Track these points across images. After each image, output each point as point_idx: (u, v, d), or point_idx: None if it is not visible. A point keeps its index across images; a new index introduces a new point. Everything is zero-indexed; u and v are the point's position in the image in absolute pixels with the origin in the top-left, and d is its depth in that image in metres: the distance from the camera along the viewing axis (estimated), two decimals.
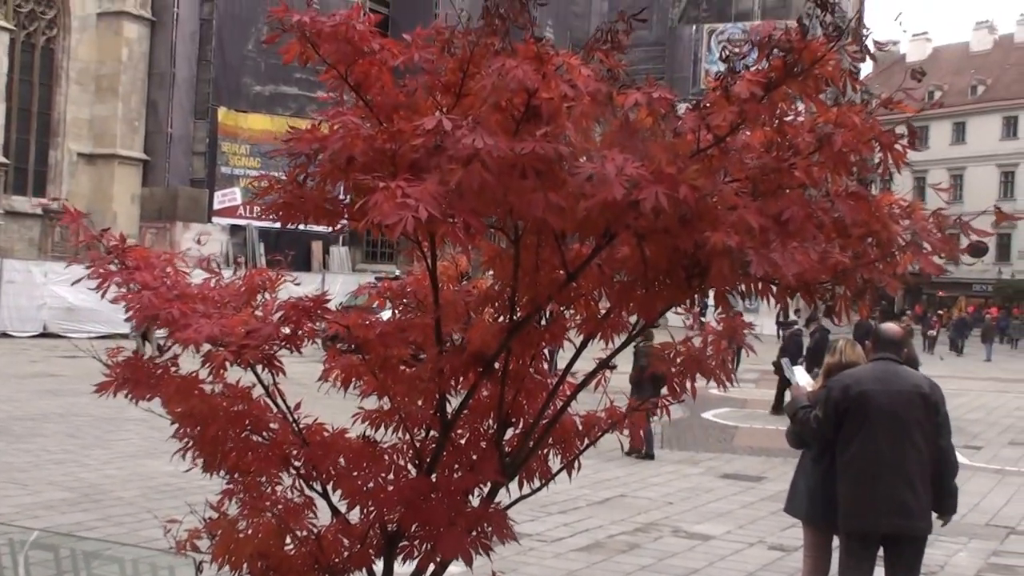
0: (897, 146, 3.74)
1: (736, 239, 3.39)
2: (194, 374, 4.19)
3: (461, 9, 3.80)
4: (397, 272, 34.58)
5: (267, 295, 4.64)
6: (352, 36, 3.80)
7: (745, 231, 3.45)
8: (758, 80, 3.48)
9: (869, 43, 3.57)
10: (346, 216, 4.06)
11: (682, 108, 3.72)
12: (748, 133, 3.76)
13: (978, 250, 67.87)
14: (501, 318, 4.40)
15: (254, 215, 38.42)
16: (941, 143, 75.68)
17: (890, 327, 6.39)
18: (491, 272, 4.47)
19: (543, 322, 4.43)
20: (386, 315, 4.86)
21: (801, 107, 3.87)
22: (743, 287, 3.77)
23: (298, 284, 5.16)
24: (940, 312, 59.46)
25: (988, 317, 51.77)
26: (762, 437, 16.80)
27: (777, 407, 19.46)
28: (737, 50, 3.62)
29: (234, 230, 43.88)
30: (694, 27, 55.88)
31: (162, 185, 43.36)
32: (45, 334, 30.15)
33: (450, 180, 3.26)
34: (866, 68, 72.77)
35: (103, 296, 4.08)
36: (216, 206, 44.33)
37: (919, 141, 3.77)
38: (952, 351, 47.70)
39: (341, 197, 4.09)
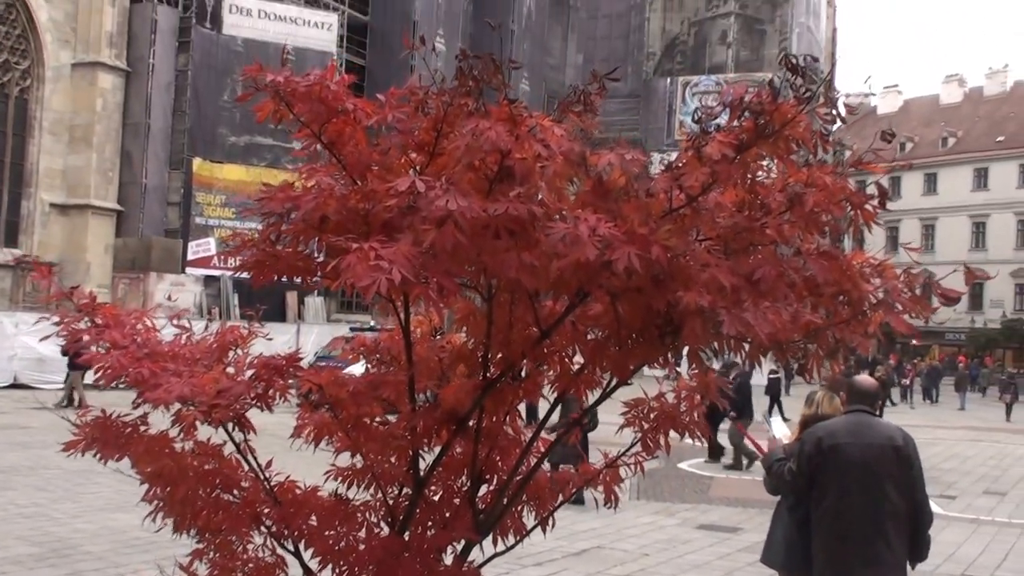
0: (867, 206, 3.78)
1: (708, 299, 3.41)
2: (164, 433, 4.16)
3: (435, 69, 3.82)
4: (372, 323, 34.49)
5: (239, 351, 4.62)
6: (326, 96, 3.81)
7: (717, 290, 3.47)
8: (729, 141, 3.52)
9: (839, 105, 3.60)
10: (320, 274, 4.05)
11: (657, 159, 3.74)
12: (720, 192, 3.79)
13: (950, 299, 68.33)
14: (475, 375, 4.39)
15: (228, 266, 38.38)
16: (913, 194, 76.51)
17: (864, 379, 6.40)
18: (465, 328, 4.47)
19: (517, 379, 4.42)
20: (358, 369, 4.84)
21: (773, 164, 3.91)
22: (716, 345, 3.78)
23: (270, 339, 5.13)
24: (915, 360, 59.74)
25: (961, 366, 52.08)
26: (738, 488, 16.77)
27: (712, 453, 19.51)
28: (709, 111, 3.66)
29: (208, 281, 43.70)
30: (669, 79, 56.45)
31: (136, 235, 43.19)
32: (16, 385, 29.82)
33: (423, 241, 3.27)
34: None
35: (73, 357, 4.04)
36: (190, 256, 44.17)
37: (890, 196, 3.81)
38: (926, 400, 47.91)
39: (315, 255, 4.09)
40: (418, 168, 3.81)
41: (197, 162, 44.46)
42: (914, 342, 69.98)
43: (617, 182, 3.71)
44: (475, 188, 3.53)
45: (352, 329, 32.79)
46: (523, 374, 4.39)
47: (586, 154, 3.64)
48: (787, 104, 3.54)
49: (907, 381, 48.40)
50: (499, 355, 4.25)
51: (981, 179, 75.38)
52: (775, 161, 3.70)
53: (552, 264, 3.43)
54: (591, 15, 60.38)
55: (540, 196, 3.52)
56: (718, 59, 56.07)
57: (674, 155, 3.85)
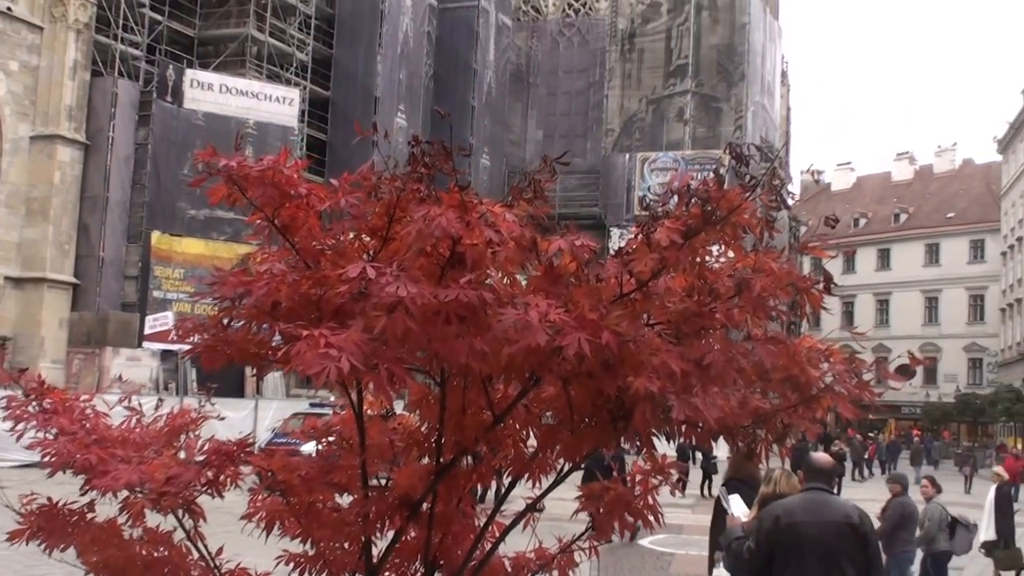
0: (814, 290, 3.83)
1: (658, 384, 3.43)
2: (112, 520, 4.09)
3: (390, 155, 3.86)
4: (332, 397, 34.21)
5: (191, 434, 4.58)
6: (279, 180, 3.83)
7: (667, 376, 3.49)
8: (678, 228, 3.57)
9: (783, 194, 3.67)
10: (272, 358, 4.03)
11: (616, 234, 3.78)
12: (671, 277, 3.83)
13: (905, 372, 69.10)
14: (428, 460, 4.37)
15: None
16: (867, 269, 77.53)
17: (820, 456, 6.44)
18: (418, 412, 4.45)
19: (470, 463, 4.40)
20: (310, 447, 4.80)
21: (722, 248, 3.96)
22: (667, 429, 3.80)
23: (222, 419, 5.08)
24: (871, 434, 60.05)
25: (916, 440, 52.42)
26: (699, 564, 16.64)
27: None
28: (658, 197, 3.71)
29: (165, 355, 43.25)
30: (627, 155, 57.10)
31: (92, 309, 42.75)
32: None
33: (374, 327, 3.28)
34: (794, 193, 74.60)
35: (18, 440, 3.99)
36: (147, 331, 43.74)
37: (834, 283, 3.86)
38: (884, 474, 48.11)
39: (267, 339, 4.07)
40: (371, 252, 3.82)
41: (156, 235, 44.24)
42: (870, 417, 70.44)
43: (568, 267, 3.75)
44: (427, 273, 3.55)
45: (311, 404, 32.48)
46: (477, 458, 4.37)
47: (537, 240, 3.68)
48: (733, 191, 3.60)
49: (866, 456, 48.58)
50: (452, 439, 4.23)
51: (933, 255, 76.55)
52: (723, 246, 3.76)
53: (503, 350, 3.44)
54: (551, 92, 61.18)
55: (491, 281, 3.55)
56: (675, 136, 56.86)
57: (633, 230, 3.89)
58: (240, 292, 3.69)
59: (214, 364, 3.92)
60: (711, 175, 3.64)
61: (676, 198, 3.72)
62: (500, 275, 3.69)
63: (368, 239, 3.92)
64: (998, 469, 19.07)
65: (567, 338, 3.36)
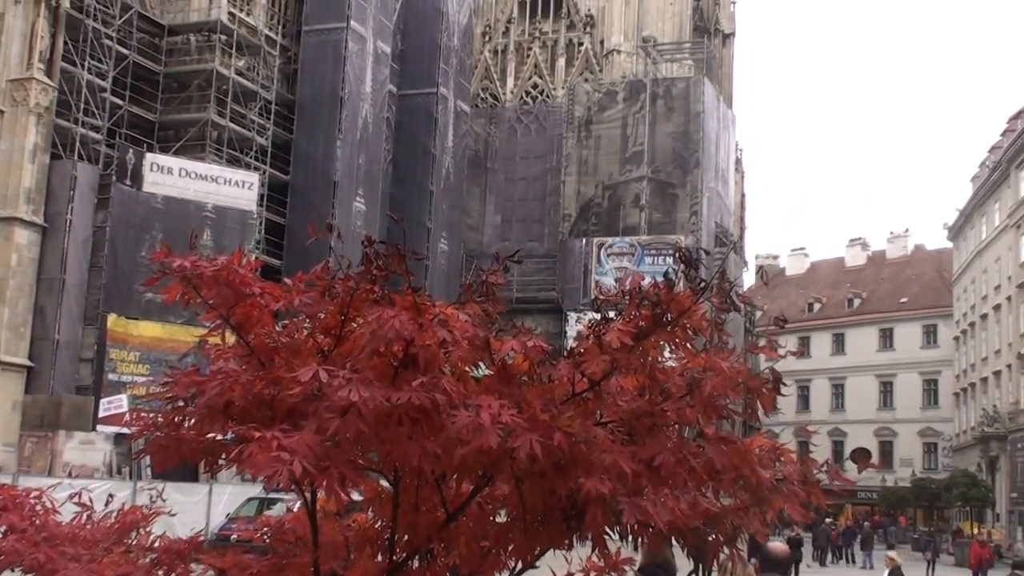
0: (764, 390, 3.89)
1: (609, 486, 3.46)
2: None
3: (341, 255, 3.91)
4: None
5: (143, 530, 4.54)
6: (233, 280, 3.86)
7: (618, 476, 3.52)
8: (628, 330, 3.62)
9: (733, 296, 3.74)
10: (225, 457, 4.02)
11: (573, 318, 3.83)
12: (623, 376, 3.88)
13: (866, 457, 69.31)
14: (381, 558, 4.34)
15: (141, 423, 37.50)
16: (822, 353, 78.17)
17: (776, 546, 6.45)
18: (371, 509, 4.44)
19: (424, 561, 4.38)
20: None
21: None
22: (619, 528, 3.81)
23: (174, 515, 5.03)
24: (828, 520, 60.02)
25: (867, 525, 52.54)
26: None
27: None
28: (610, 297, 3.78)
29: (119, 439, 42.58)
30: (584, 240, 57.56)
31: (46, 392, 42.11)
32: None
33: (327, 428, 3.29)
34: (749, 279, 75.30)
35: None
36: (102, 414, 43.09)
37: (783, 383, 3.93)
38: (841, 559, 48.07)
39: (220, 438, 4.06)
40: (325, 351, 3.85)
41: (112, 318, 43.82)
42: (827, 502, 70.42)
43: (520, 367, 3.79)
44: (380, 374, 3.57)
45: (265, 490, 32.04)
46: (430, 556, 4.35)
47: (490, 340, 3.72)
48: (684, 294, 3.67)
49: (832, 541, 48.58)
50: (406, 537, 4.22)
51: (887, 339, 77.35)
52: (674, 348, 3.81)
53: (456, 450, 3.46)
54: (508, 177, 61.74)
55: (444, 384, 3.57)
56: (631, 221, 57.43)
57: (590, 315, 3.95)
58: (193, 392, 3.69)
59: (167, 464, 3.90)
60: (662, 278, 3.71)
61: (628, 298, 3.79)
62: (453, 376, 3.72)
63: (322, 337, 3.95)
64: (891, 554, 19.30)
65: (519, 440, 3.39)
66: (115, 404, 43.48)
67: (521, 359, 3.74)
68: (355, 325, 3.75)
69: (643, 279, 3.77)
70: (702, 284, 3.64)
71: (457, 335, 3.58)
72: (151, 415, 4.15)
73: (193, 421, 3.90)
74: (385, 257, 3.68)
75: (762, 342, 4.06)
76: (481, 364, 3.78)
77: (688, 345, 3.84)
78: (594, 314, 3.91)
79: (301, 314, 3.86)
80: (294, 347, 3.90)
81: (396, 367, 3.61)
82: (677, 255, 3.68)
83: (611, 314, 3.80)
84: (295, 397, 3.46)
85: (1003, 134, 64.99)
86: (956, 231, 72.81)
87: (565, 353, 3.82)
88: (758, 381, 3.89)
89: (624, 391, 3.86)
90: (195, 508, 26.69)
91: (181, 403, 3.78)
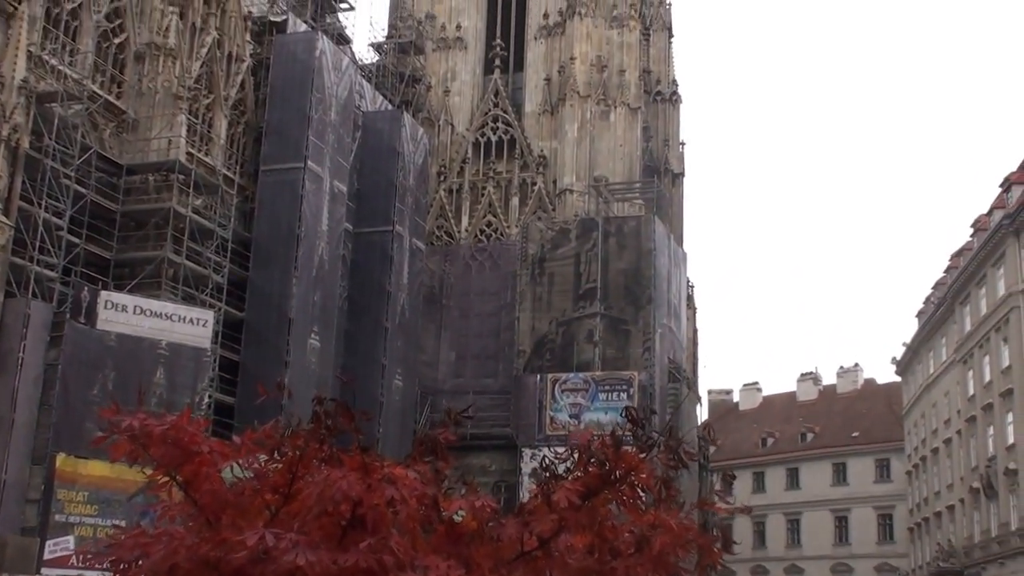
0: (714, 547, 3.91)
1: None
2: None
3: (291, 412, 3.92)
4: None
5: None
6: (182, 438, 3.86)
7: None
8: (576, 489, 3.65)
9: (680, 454, 3.79)
10: None
11: (527, 454, 3.82)
12: (572, 534, 3.88)
13: None
14: None
15: (87, 565, 36.44)
16: (777, 488, 77.99)
17: None
18: None
19: None
20: None
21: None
22: None
23: None
24: None
25: None
26: None
27: None
28: (558, 457, 3.81)
29: None
30: (538, 376, 57.52)
31: None
32: None
33: None
34: (703, 414, 75.32)
35: None
36: (47, 555, 41.77)
37: (733, 542, 3.95)
38: None
39: None
40: (273, 509, 3.83)
41: (61, 457, 42.85)
42: None
43: (469, 525, 3.79)
44: (327, 534, 3.56)
45: None
46: None
47: (438, 499, 3.72)
48: (631, 453, 3.71)
49: None
50: None
51: (840, 474, 77.39)
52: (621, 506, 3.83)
53: None
54: (463, 314, 61.93)
55: (392, 544, 3.56)
56: (585, 357, 57.58)
57: (544, 451, 3.97)
58: (137, 555, 3.65)
59: None
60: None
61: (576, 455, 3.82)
62: (401, 534, 3.71)
63: (271, 495, 3.93)
64: None
65: None
66: (61, 545, 42.23)
67: (470, 518, 3.74)
68: (304, 483, 3.75)
69: (591, 436, 3.81)
70: (649, 442, 3.69)
71: (406, 494, 3.58)
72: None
73: None
74: (334, 416, 3.70)
75: (714, 497, 4.09)
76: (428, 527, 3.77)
77: (638, 502, 3.86)
78: (548, 452, 3.94)
79: (249, 473, 3.84)
80: (242, 505, 3.88)
81: (344, 527, 3.60)
82: (624, 413, 3.74)
83: (560, 468, 3.82)
84: (241, 560, 3.43)
85: (946, 271, 66.58)
86: (904, 365, 73.76)
87: (515, 510, 3.82)
88: (707, 539, 3.90)
89: (573, 549, 3.86)
90: None
91: (124, 566, 3.73)
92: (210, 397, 43.90)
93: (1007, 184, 56.11)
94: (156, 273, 44.99)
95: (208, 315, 45.71)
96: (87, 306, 43.69)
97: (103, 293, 43.93)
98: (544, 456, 3.63)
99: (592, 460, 3.71)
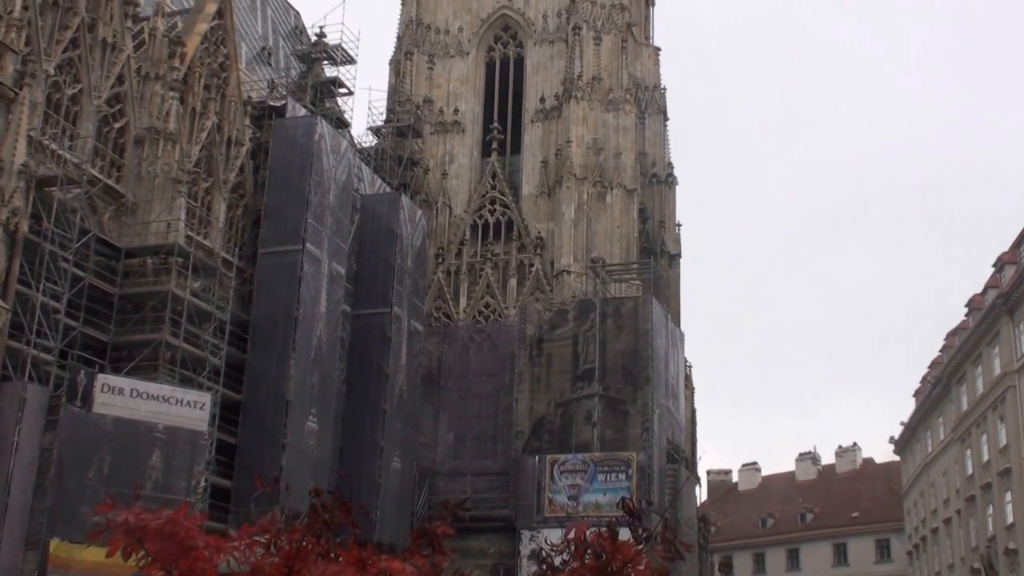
0: None
1: None
2: None
3: (289, 505, 3.93)
4: None
5: None
6: (177, 533, 3.85)
7: None
8: None
9: (677, 546, 3.79)
10: None
11: (526, 536, 3.80)
12: None
13: None
14: None
15: None
16: (777, 569, 77.18)
17: None
18: None
19: None
20: None
21: None
22: None
23: None
24: None
25: None
26: None
27: None
28: (554, 548, 3.80)
29: None
30: (537, 457, 57.22)
31: None
32: None
33: None
34: (702, 495, 74.75)
35: None
36: None
37: None
38: None
39: None
40: None
41: (55, 543, 42.39)
42: None
43: None
44: None
45: None
46: None
47: None
48: (627, 544, 3.71)
49: None
50: None
51: (840, 554, 76.66)
52: None
53: None
54: (461, 395, 61.72)
55: None
56: (584, 437, 57.30)
57: (544, 532, 3.95)
58: None
59: None
60: (605, 529, 3.76)
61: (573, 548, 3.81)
62: None
63: None
64: None
65: None
66: None
67: None
68: None
69: (588, 528, 3.81)
70: (646, 534, 3.69)
71: None
72: None
73: None
74: (331, 510, 3.70)
75: None
76: None
77: None
78: (544, 544, 3.93)
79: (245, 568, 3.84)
80: None
81: None
82: (620, 505, 3.74)
83: (556, 560, 3.82)
84: None
85: (942, 350, 66.61)
86: (902, 445, 73.46)
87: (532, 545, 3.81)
88: None
89: None
90: None
91: None
92: (207, 480, 43.59)
93: (1000, 264, 56.44)
94: (153, 356, 44.95)
95: (205, 398, 45.59)
96: (83, 389, 43.55)
97: (100, 376, 43.83)
98: (540, 548, 3.62)
99: (588, 552, 3.70)
